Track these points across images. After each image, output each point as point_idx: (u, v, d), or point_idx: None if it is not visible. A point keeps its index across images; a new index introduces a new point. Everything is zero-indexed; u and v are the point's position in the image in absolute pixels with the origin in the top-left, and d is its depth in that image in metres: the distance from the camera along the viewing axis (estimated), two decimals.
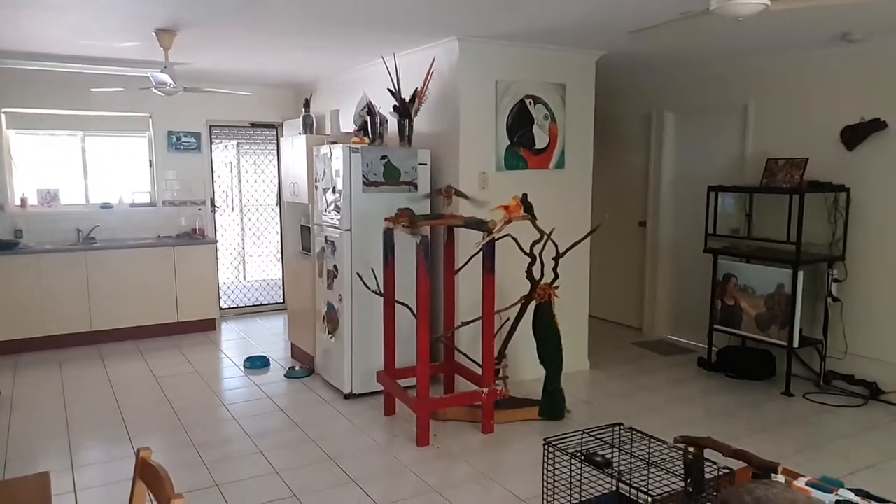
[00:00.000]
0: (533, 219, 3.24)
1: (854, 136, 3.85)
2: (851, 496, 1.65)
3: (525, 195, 3.24)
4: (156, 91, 3.94)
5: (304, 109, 4.74)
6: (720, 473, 1.90)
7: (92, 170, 5.46)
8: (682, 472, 2.03)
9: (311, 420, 3.52)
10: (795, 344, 3.87)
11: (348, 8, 3.08)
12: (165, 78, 3.80)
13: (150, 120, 5.57)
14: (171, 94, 3.97)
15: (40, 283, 4.85)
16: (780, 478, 1.80)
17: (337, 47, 4.06)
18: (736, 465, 1.99)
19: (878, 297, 3.83)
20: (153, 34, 3.56)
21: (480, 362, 3.35)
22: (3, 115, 5.09)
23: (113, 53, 4.26)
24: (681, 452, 2.04)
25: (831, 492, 1.67)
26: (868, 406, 3.70)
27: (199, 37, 3.70)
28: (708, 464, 1.97)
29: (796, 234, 3.81)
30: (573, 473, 2.14)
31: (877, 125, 3.74)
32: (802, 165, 3.95)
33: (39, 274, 4.85)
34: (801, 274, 3.83)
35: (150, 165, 5.65)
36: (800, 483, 1.73)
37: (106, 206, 5.45)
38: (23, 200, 5.18)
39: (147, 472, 1.40)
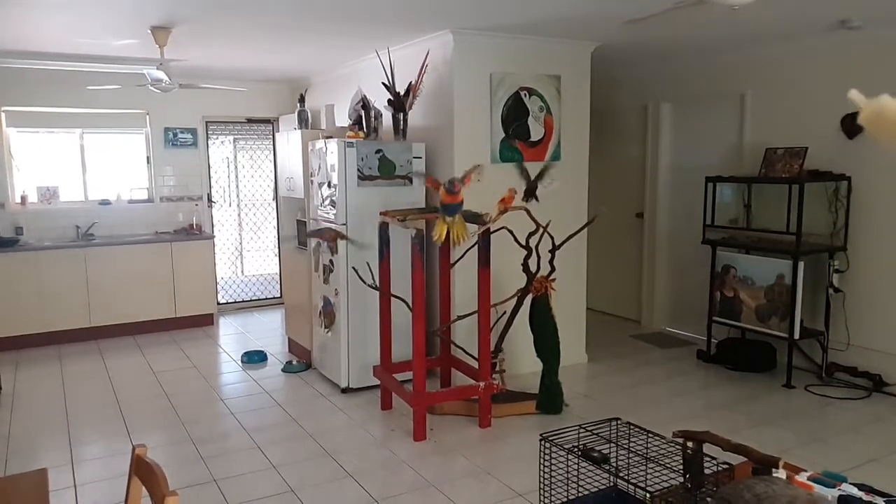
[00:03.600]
0: (529, 193, 3.24)
1: (855, 124, 3.78)
2: (855, 491, 1.62)
3: (536, 178, 3.26)
4: (152, 88, 3.92)
5: (299, 104, 4.71)
6: (719, 469, 1.88)
7: (90, 167, 5.46)
8: (681, 467, 2.01)
9: (308, 415, 3.51)
10: (796, 335, 3.84)
11: (342, 2, 3.04)
12: (161, 75, 3.79)
13: (147, 117, 5.55)
14: (167, 91, 3.95)
15: (40, 279, 4.85)
16: (782, 473, 1.78)
17: (331, 42, 4.03)
18: (736, 459, 1.96)
19: (881, 288, 3.79)
20: (149, 31, 3.54)
21: (477, 356, 3.33)
22: (2, 114, 5.09)
23: (109, 51, 4.25)
24: (679, 447, 2.02)
25: (834, 487, 1.64)
26: (871, 398, 3.67)
27: (194, 33, 3.67)
28: (707, 459, 1.94)
29: (796, 225, 3.77)
30: (570, 469, 2.12)
31: None
32: (802, 155, 3.90)
33: (39, 271, 4.85)
34: (801, 264, 3.79)
35: (148, 162, 5.64)
36: (801, 478, 1.70)
37: (104, 202, 5.44)
38: (23, 198, 5.19)
39: (142, 470, 1.40)
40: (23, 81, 4.99)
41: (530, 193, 3.34)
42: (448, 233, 3.06)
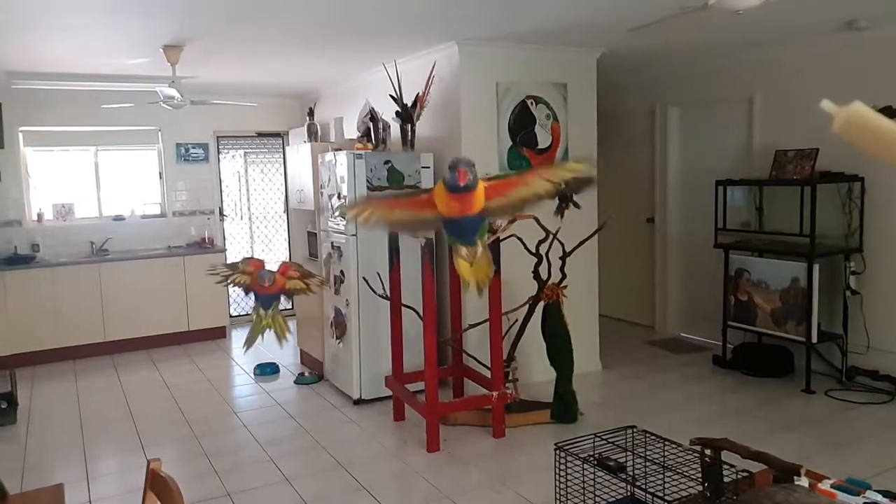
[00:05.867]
0: (564, 200, 3.20)
1: None
2: (880, 498, 1.58)
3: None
4: (164, 105, 3.99)
5: (308, 118, 4.76)
6: (739, 477, 1.84)
7: (104, 183, 5.55)
8: (700, 475, 1.97)
9: (321, 426, 3.51)
10: (814, 339, 3.77)
11: (349, 17, 3.08)
12: (173, 92, 3.85)
13: (159, 133, 5.64)
14: (178, 108, 4.02)
15: (56, 295, 4.92)
16: (804, 480, 1.74)
17: (339, 56, 4.08)
18: (756, 467, 1.93)
19: None
20: (160, 50, 3.60)
21: (489, 365, 3.31)
22: (20, 134, 5.20)
23: (122, 70, 4.33)
24: (697, 455, 1.99)
25: (858, 494, 1.60)
26: (894, 402, 3.58)
27: (204, 51, 3.74)
28: (726, 467, 1.91)
29: (810, 227, 3.72)
30: (586, 478, 2.09)
31: (889, 113, 3.61)
32: (813, 156, 3.86)
33: (55, 286, 4.92)
34: (816, 267, 3.74)
35: (160, 177, 5.72)
36: (824, 486, 1.67)
37: (118, 218, 5.52)
38: (39, 215, 5.28)
39: (157, 484, 1.41)
40: (39, 102, 5.10)
41: (566, 200, 3.27)
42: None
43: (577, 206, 3.26)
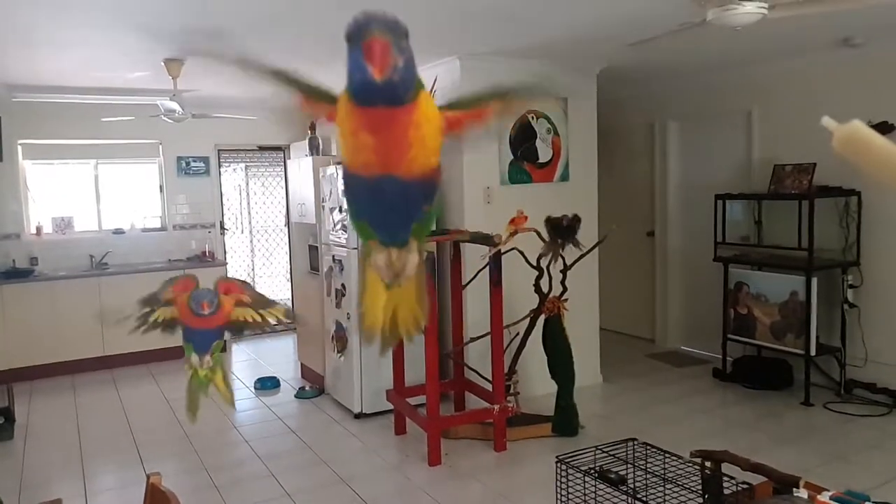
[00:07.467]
0: (561, 233, 3.20)
1: None
2: None
3: (569, 216, 3.20)
4: (165, 118, 4.02)
5: (310, 132, 4.81)
6: (739, 489, 1.85)
7: (104, 197, 5.56)
8: (700, 487, 1.98)
9: (322, 441, 3.50)
10: (813, 352, 3.79)
11: None
12: (174, 105, 3.89)
13: (160, 146, 5.67)
14: (179, 121, 4.05)
15: (55, 309, 4.91)
16: (803, 492, 1.75)
17: (341, 70, 4.11)
18: (755, 479, 1.93)
19: None
20: (162, 64, 3.65)
21: (491, 378, 3.32)
22: (19, 147, 5.22)
23: (123, 84, 4.37)
24: (697, 467, 1.99)
25: None
26: (892, 415, 3.59)
27: (205, 64, 3.78)
28: (726, 479, 1.92)
29: (808, 240, 3.76)
30: (587, 491, 2.10)
31: (884, 128, 3.70)
32: (810, 170, 3.91)
33: (54, 300, 4.91)
34: (814, 280, 3.77)
35: (161, 191, 5.74)
36: (823, 498, 1.68)
37: (118, 231, 5.53)
38: (38, 229, 5.28)
39: (157, 498, 1.40)
40: (39, 115, 5.11)
41: (564, 235, 3.18)
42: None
43: (576, 244, 3.24)
